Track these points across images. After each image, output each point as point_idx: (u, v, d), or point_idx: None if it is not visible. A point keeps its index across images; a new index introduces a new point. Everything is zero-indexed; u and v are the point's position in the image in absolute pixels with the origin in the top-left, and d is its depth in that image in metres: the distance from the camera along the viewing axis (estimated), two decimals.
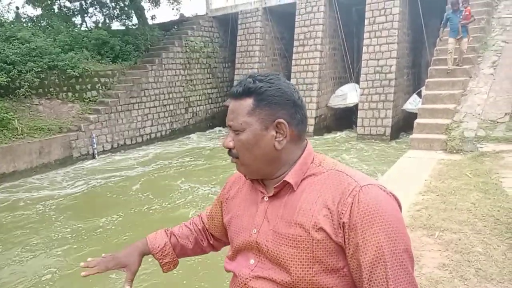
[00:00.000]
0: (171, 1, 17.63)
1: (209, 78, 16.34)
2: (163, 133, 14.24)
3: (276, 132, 0.98)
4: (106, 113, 12.17)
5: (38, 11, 17.05)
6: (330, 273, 0.91)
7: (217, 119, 16.53)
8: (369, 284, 0.86)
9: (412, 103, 12.00)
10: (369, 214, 0.86)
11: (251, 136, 0.97)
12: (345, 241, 0.88)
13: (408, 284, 0.86)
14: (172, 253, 1.27)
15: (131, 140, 12.98)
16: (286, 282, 0.94)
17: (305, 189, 0.96)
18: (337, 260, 0.90)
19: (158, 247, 1.25)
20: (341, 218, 0.88)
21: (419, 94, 11.40)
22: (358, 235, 0.86)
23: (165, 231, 1.31)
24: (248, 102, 0.98)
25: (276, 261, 0.96)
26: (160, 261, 1.26)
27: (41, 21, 15.02)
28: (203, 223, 1.34)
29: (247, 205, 1.08)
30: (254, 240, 1.01)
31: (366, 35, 12.61)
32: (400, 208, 0.93)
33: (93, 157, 11.48)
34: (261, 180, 1.06)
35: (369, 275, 0.86)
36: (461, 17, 8.19)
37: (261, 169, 1.01)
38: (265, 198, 1.03)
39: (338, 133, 13.67)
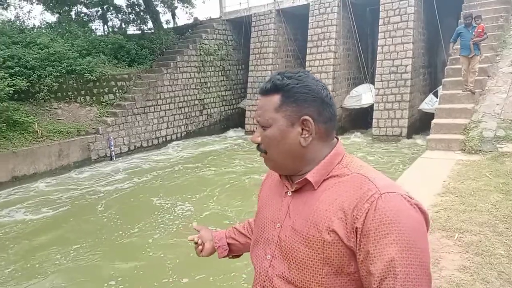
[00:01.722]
0: (185, 5, 17.81)
1: (223, 80, 16.43)
2: (178, 135, 14.38)
3: (302, 129, 0.98)
4: (123, 116, 12.36)
5: (56, 17, 17.48)
6: (340, 276, 0.90)
7: (232, 121, 16.60)
8: None
9: (429, 103, 11.83)
10: (384, 223, 0.83)
11: (277, 132, 0.99)
12: (356, 247, 0.87)
13: None
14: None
15: (148, 142, 13.15)
16: (296, 280, 0.95)
17: (326, 189, 0.96)
18: (348, 264, 0.89)
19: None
20: (354, 223, 0.86)
21: (436, 94, 11.24)
22: (369, 243, 0.84)
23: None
24: (276, 98, 0.99)
25: (288, 258, 0.97)
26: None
27: (59, 27, 15.37)
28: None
29: (273, 197, 1.11)
30: (277, 233, 1.02)
31: (380, 35, 12.50)
32: (427, 222, 0.89)
33: (111, 159, 11.68)
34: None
35: (378, 286, 0.83)
36: (473, 33, 7.50)
37: (287, 165, 1.02)
38: (288, 192, 1.04)
39: (353, 134, 13.56)
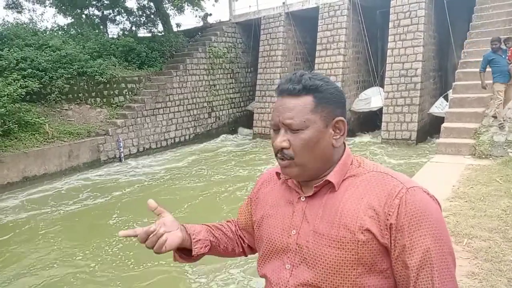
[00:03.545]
0: (195, 8, 17.93)
1: (232, 83, 16.48)
2: (187, 137, 14.44)
3: (333, 131, 0.98)
4: (133, 118, 12.47)
5: (69, 20, 17.73)
6: (373, 275, 0.91)
7: (240, 123, 16.63)
8: (415, 286, 0.88)
9: (439, 107, 11.72)
10: (416, 216, 0.87)
11: (315, 134, 0.95)
12: (391, 243, 0.89)
13: (452, 287, 0.88)
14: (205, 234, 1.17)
15: (156, 144, 13.24)
16: (327, 285, 0.92)
17: (347, 189, 0.96)
18: (381, 262, 0.91)
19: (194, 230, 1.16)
20: (388, 219, 0.88)
21: (446, 98, 11.13)
22: (405, 237, 0.87)
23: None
24: (308, 99, 0.95)
25: (315, 264, 0.94)
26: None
27: (71, 30, 15.59)
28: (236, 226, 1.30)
29: (280, 205, 1.06)
30: (294, 241, 0.99)
31: (390, 38, 12.42)
32: (441, 210, 0.94)
33: (120, 161, 11.77)
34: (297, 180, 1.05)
35: (416, 277, 0.87)
36: (506, 58, 6.72)
37: (315, 168, 0.99)
38: (301, 198, 1.01)
39: (362, 137, 13.48)
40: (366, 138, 13.44)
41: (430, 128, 12.38)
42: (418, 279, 0.87)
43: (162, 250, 1.03)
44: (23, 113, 10.06)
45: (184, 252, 1.15)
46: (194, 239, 1.12)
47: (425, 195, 0.91)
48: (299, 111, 0.95)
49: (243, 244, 1.28)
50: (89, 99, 12.34)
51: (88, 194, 9.02)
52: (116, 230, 6.51)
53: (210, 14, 17.69)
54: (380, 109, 12.75)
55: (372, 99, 13.22)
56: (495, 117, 6.77)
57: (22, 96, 10.01)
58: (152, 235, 1.01)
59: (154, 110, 13.22)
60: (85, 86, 12.28)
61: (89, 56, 12.72)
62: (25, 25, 14.38)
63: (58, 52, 11.76)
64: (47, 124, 10.52)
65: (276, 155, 1.00)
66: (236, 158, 11.98)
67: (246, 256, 1.32)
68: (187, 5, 17.71)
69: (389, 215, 0.88)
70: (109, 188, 9.41)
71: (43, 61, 11.16)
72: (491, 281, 2.70)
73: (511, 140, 6.29)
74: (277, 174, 1.11)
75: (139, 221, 6.97)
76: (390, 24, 12.42)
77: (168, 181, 9.86)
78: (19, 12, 16.62)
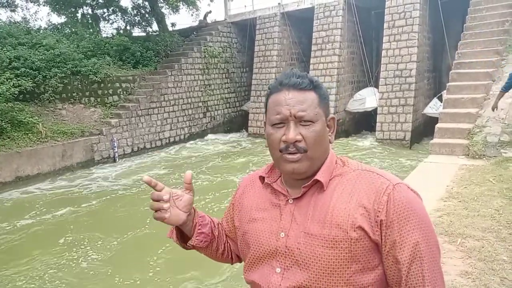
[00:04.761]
0: (190, 7, 17.88)
1: (227, 83, 16.46)
2: (182, 137, 14.40)
3: (328, 127, 1.02)
4: (127, 118, 12.40)
5: (63, 19, 17.60)
6: (366, 272, 0.92)
7: (235, 123, 16.61)
8: (406, 280, 0.89)
9: (433, 107, 11.79)
10: (404, 211, 0.89)
11: (323, 127, 0.98)
12: (381, 239, 0.90)
13: (440, 277, 0.91)
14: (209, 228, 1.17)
15: (151, 144, 13.18)
16: (321, 285, 0.92)
17: (335, 189, 0.96)
18: (373, 259, 0.92)
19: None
20: (378, 216, 0.90)
21: (440, 98, 11.19)
22: (395, 232, 0.89)
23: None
24: (313, 95, 0.98)
25: (308, 265, 0.93)
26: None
27: (65, 29, 15.48)
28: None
29: (267, 209, 1.05)
30: (283, 244, 0.97)
31: (385, 39, 12.47)
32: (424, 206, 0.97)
33: (114, 161, 11.71)
34: (281, 182, 1.05)
35: (407, 271, 0.89)
36: None
37: (319, 163, 1.00)
38: (289, 200, 1.01)
39: (357, 138, 13.53)
40: (360, 138, 13.48)
41: (424, 128, 12.45)
42: (410, 273, 0.88)
43: (164, 220, 1.05)
44: (16, 112, 9.97)
45: (181, 234, 1.17)
46: (198, 230, 1.13)
47: (409, 191, 0.94)
48: (310, 104, 0.97)
49: (230, 250, 1.24)
50: (83, 99, 12.26)
51: (45, 206, 8.07)
52: (66, 250, 5.95)
53: (210, 12, 17.61)
54: (375, 110, 12.79)
55: (366, 99, 13.26)
56: None
57: (15, 95, 9.93)
58: (161, 202, 1.03)
59: (149, 109, 13.16)
60: (79, 85, 12.19)
61: (83, 55, 12.63)
62: (18, 24, 14.27)
63: (52, 51, 11.67)
64: (40, 124, 10.43)
65: (280, 151, 0.97)
66: (224, 161, 11.85)
67: (232, 263, 1.28)
68: (183, 4, 17.66)
69: (379, 211, 0.90)
70: (74, 199, 8.55)
71: (36, 60, 11.06)
72: (484, 280, 2.72)
73: (504, 140, 6.34)
74: (261, 178, 1.09)
75: (92, 240, 6.28)
76: (385, 25, 12.47)
77: (144, 191, 8.57)
78: (13, 11, 16.47)
